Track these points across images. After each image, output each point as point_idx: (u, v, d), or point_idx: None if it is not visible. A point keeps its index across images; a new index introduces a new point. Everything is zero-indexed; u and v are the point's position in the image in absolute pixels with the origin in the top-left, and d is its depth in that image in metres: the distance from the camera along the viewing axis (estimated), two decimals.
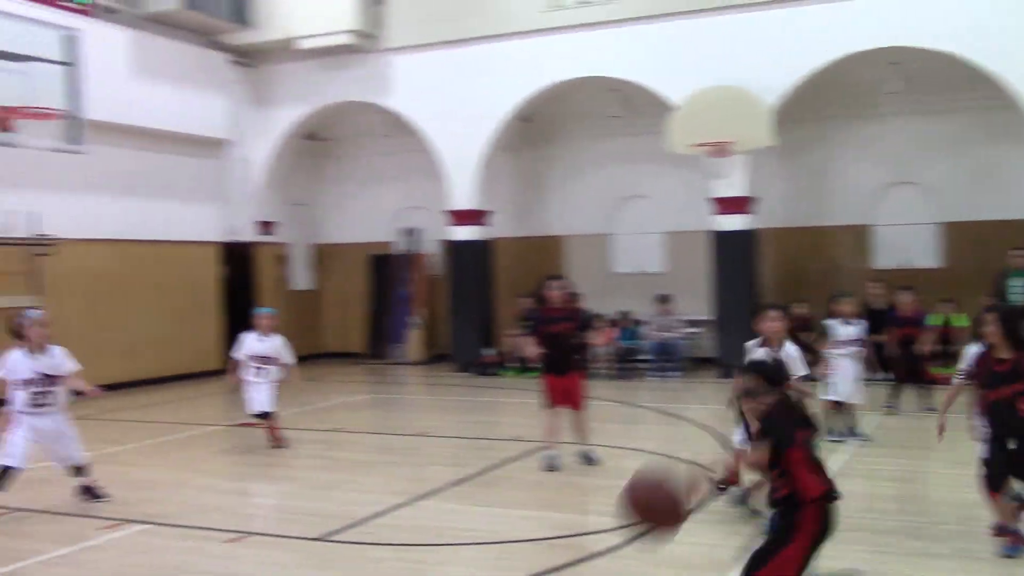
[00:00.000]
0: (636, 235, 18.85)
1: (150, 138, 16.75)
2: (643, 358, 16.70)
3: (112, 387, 15.25)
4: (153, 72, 16.52)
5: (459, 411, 13.94)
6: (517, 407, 14.05)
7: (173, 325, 17.07)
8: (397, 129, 19.60)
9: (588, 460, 9.24)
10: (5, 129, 11.90)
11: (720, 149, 14.61)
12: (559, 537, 6.93)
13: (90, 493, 8.32)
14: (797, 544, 4.43)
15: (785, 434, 4.53)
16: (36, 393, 7.85)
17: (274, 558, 6.62)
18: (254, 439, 11.36)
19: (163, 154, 17.18)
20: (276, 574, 6.26)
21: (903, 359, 12.03)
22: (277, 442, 10.59)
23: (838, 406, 10.19)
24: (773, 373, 4.87)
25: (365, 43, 17.94)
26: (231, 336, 18.57)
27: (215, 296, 18.33)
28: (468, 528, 7.23)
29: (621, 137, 18.61)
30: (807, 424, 4.69)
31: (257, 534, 7.17)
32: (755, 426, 4.72)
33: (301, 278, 21.03)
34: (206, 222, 18.20)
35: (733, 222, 15.82)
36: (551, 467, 9.07)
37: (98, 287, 15.81)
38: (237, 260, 19.05)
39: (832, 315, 10.70)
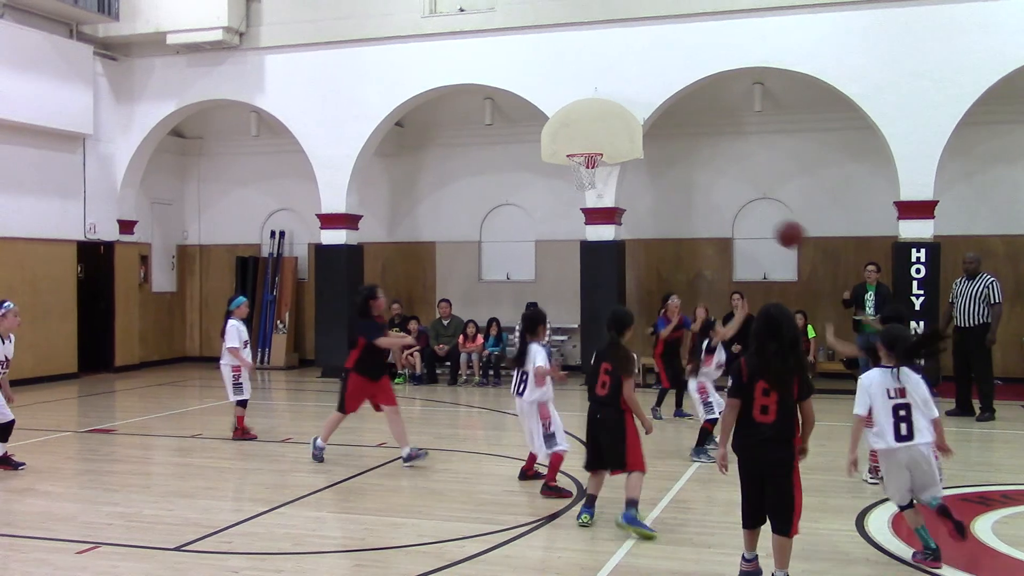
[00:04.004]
0: (506, 243, 19.01)
1: (5, 130, 16.01)
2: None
3: None
4: (9, 61, 15.78)
5: (323, 417, 13.72)
6: (380, 413, 13.96)
7: (25, 327, 16.25)
8: (268, 130, 19.32)
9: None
10: None
11: (591, 160, 14.89)
12: (421, 544, 6.94)
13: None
14: None
15: None
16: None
17: (128, 569, 6.40)
18: (108, 445, 11.03)
19: (19, 147, 16.43)
20: None
21: None
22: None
23: None
24: None
25: (237, 40, 17.59)
26: (86, 338, 17.97)
27: (72, 297, 17.60)
28: (329, 536, 7.16)
29: (493, 145, 18.79)
30: None
31: (110, 544, 6.93)
32: None
33: (162, 279, 20.42)
34: (64, 220, 17.47)
35: (602, 232, 16.13)
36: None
37: None
38: (95, 260, 18.37)
39: None
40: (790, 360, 5.65)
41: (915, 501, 6.42)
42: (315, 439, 10.01)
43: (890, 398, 6.23)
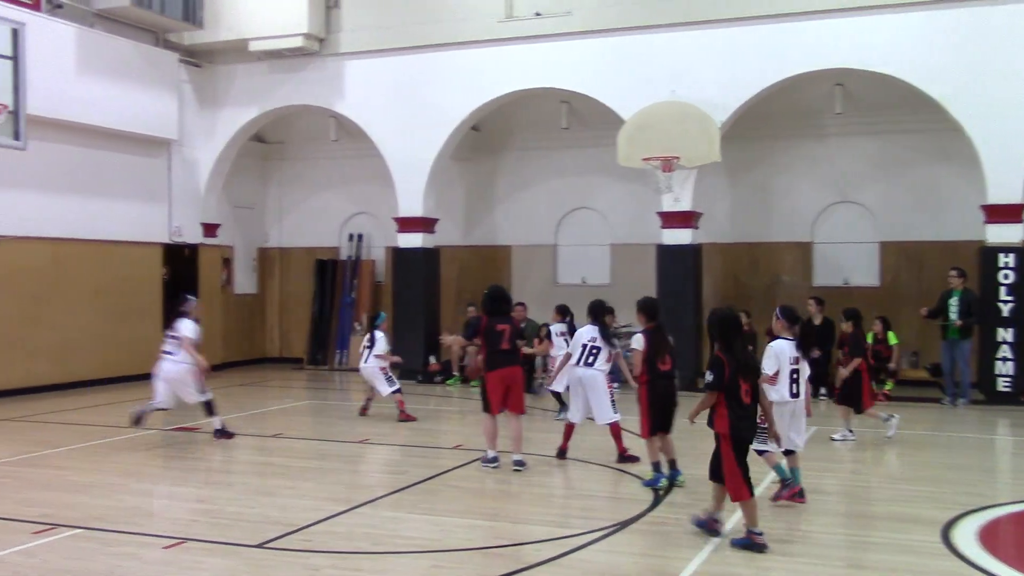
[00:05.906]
0: (582, 247, 18.97)
1: (94, 136, 16.51)
2: None
3: (47, 388, 15.06)
4: (99, 69, 16.27)
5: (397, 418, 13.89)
6: (458, 416, 14.09)
7: (111, 326, 16.81)
8: (347, 134, 19.58)
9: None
10: None
11: (668, 164, 14.78)
12: (497, 547, 6.96)
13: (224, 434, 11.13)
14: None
15: None
16: None
17: (212, 564, 6.55)
18: (192, 443, 11.28)
19: (107, 152, 16.93)
20: None
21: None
22: None
23: None
24: None
25: (317, 47, 17.87)
26: None
27: (157, 298, 18.06)
28: (406, 536, 7.22)
29: (569, 149, 18.75)
30: None
31: (195, 540, 7.09)
32: None
33: (244, 281, 20.83)
34: (149, 223, 17.94)
35: (679, 236, 15.99)
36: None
37: (35, 287, 15.53)
38: (180, 262, 18.82)
39: None
40: (748, 352, 6.99)
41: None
42: (493, 456, 9.61)
43: (791, 364, 8.04)
